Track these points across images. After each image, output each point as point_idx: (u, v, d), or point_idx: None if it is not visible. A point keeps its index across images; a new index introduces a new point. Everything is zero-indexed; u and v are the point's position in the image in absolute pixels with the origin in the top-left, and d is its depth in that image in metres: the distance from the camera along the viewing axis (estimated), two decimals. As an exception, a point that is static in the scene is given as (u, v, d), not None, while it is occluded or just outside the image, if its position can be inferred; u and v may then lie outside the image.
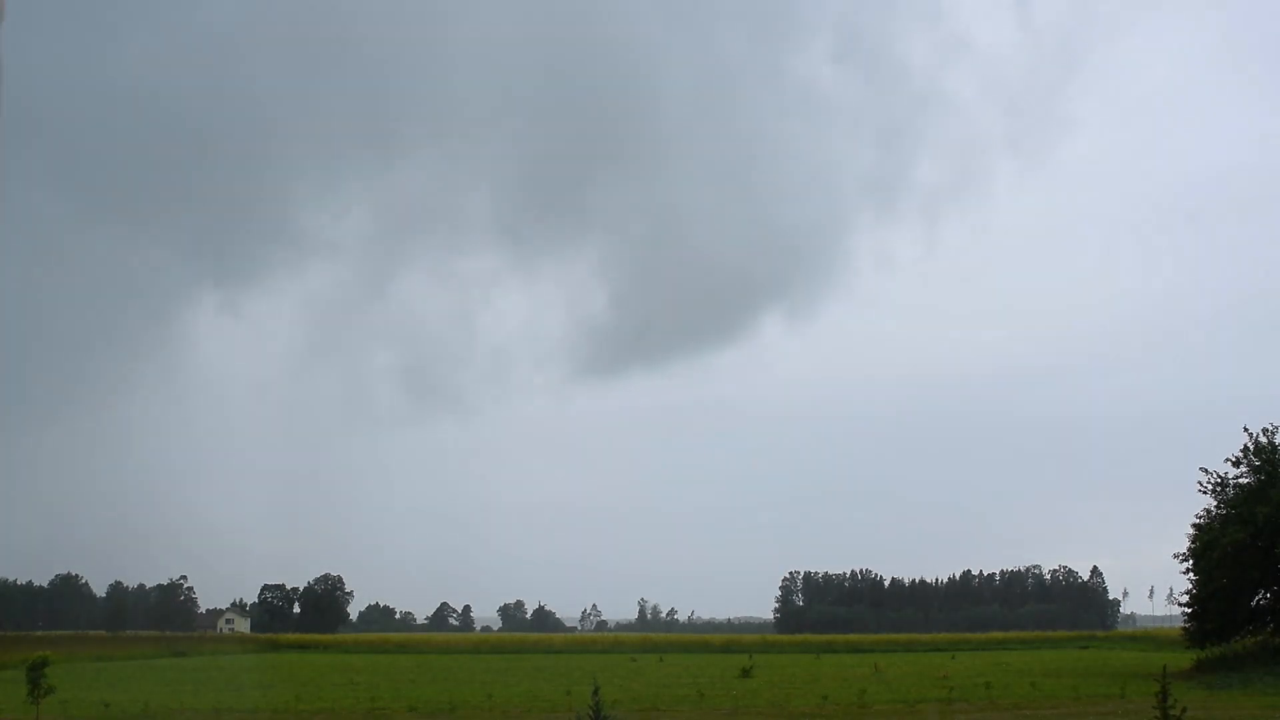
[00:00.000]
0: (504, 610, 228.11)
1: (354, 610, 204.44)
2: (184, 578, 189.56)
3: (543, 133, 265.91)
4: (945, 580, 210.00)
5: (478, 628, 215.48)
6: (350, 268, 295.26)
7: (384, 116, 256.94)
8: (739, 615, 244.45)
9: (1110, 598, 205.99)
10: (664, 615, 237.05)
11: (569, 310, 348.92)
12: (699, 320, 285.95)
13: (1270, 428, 47.51)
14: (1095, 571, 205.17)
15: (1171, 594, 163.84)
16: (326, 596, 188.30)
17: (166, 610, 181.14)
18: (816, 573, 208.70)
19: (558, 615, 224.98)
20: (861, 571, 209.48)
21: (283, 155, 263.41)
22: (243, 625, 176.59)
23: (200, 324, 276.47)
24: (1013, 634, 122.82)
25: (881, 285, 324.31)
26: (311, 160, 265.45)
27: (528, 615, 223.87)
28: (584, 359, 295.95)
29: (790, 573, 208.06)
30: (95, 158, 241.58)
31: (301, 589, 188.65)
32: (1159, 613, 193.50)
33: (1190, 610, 49.34)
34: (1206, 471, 48.72)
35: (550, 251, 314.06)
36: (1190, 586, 48.96)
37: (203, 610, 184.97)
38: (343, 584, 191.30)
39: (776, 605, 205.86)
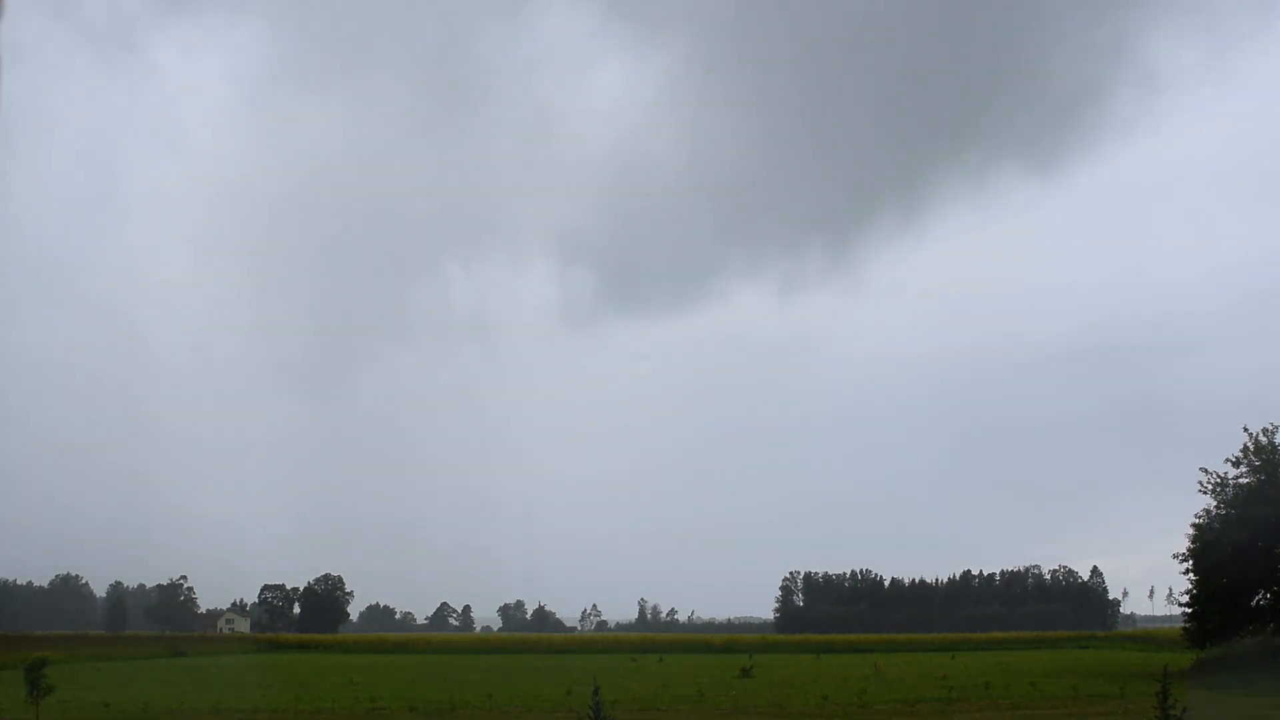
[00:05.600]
0: (504, 610, 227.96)
1: (354, 610, 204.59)
2: (184, 578, 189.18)
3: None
4: (945, 580, 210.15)
5: (478, 628, 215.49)
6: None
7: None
8: (739, 615, 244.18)
9: (1110, 598, 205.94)
10: (664, 615, 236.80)
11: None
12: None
13: (1270, 428, 47.59)
14: (1095, 571, 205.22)
15: (1171, 594, 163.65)
16: (326, 596, 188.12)
17: (166, 610, 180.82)
18: (817, 573, 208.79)
19: (558, 615, 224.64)
20: (861, 571, 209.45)
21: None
22: (243, 625, 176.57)
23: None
24: (1012, 634, 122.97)
25: (879, 286, 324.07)
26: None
27: (528, 615, 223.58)
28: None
29: (790, 573, 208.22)
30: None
31: (301, 589, 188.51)
32: (1159, 613, 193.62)
33: (1190, 610, 49.37)
34: (1206, 471, 48.83)
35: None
36: (1190, 586, 49.03)
37: (203, 610, 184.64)
38: (343, 584, 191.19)
39: (777, 605, 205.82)
